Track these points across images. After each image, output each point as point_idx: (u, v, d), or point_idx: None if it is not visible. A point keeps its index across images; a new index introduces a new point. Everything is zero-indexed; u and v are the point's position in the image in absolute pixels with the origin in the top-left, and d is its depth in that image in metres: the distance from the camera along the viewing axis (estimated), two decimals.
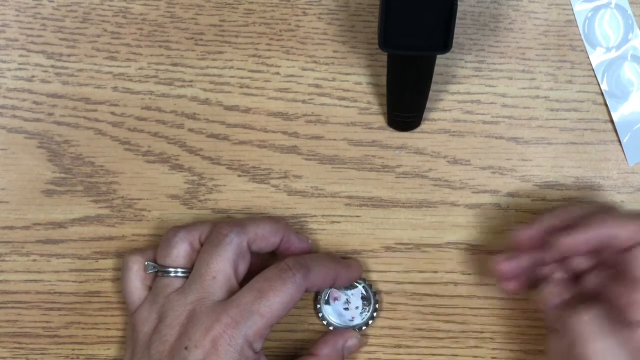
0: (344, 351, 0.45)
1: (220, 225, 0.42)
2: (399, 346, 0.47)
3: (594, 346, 0.38)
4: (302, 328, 0.47)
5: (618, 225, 0.40)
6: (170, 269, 0.42)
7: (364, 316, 0.46)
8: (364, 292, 0.46)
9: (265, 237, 0.43)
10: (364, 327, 0.46)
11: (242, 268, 0.42)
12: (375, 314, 0.46)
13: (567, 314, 0.39)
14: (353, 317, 0.46)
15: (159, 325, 0.40)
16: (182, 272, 0.42)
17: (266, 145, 0.48)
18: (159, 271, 0.42)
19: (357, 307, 0.46)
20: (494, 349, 0.47)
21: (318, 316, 0.46)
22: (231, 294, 0.41)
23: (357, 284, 0.46)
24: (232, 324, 0.39)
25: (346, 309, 0.46)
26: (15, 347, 0.48)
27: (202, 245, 0.42)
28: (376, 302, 0.46)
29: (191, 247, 0.42)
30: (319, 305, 0.46)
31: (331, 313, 0.46)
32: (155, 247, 0.44)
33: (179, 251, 0.42)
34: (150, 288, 0.43)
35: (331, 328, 0.46)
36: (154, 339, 0.40)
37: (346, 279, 0.45)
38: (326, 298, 0.46)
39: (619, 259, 0.40)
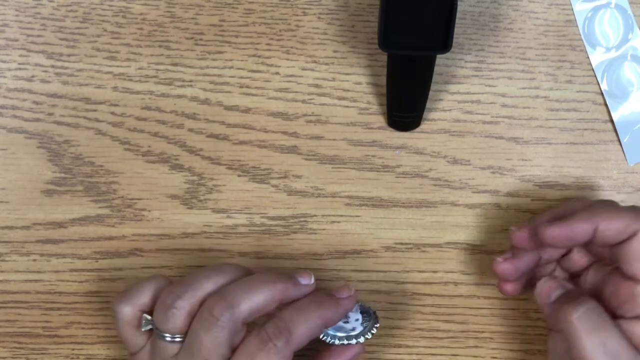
0: None
1: (211, 302, 0.39)
2: (399, 346, 0.47)
3: (589, 342, 0.36)
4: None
5: (608, 217, 0.38)
6: (167, 336, 0.40)
7: (365, 325, 0.43)
8: (362, 306, 0.44)
9: (261, 310, 0.40)
10: (367, 336, 0.43)
11: (237, 340, 0.40)
12: (377, 325, 0.43)
13: (561, 310, 0.38)
14: (354, 328, 0.43)
15: None
16: (180, 338, 0.40)
17: (266, 145, 0.48)
18: (155, 332, 0.40)
19: (357, 319, 0.44)
20: (494, 349, 0.47)
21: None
22: None
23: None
24: None
25: (346, 322, 0.43)
26: (16, 347, 0.48)
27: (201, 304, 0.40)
28: (375, 316, 0.44)
29: (189, 316, 0.40)
30: None
31: (331, 327, 0.43)
32: (139, 290, 0.42)
33: (177, 322, 0.39)
34: (144, 334, 0.41)
35: (330, 341, 0.42)
36: None
37: (338, 318, 0.42)
38: None
39: (614, 253, 0.39)
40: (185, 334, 0.40)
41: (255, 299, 0.39)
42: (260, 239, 0.48)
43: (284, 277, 0.41)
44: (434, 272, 0.47)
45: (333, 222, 0.48)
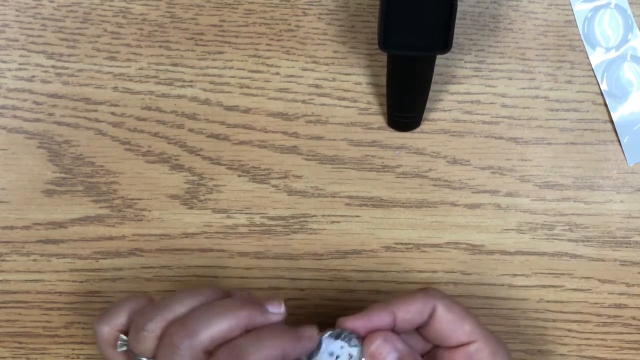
0: None
1: (173, 329, 0.38)
2: None
3: None
4: None
5: (402, 303, 0.39)
6: (141, 358, 0.39)
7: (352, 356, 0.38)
8: (334, 334, 0.39)
9: (223, 337, 0.38)
10: None
11: None
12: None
13: None
14: (351, 355, 0.38)
15: None
16: None
17: (266, 146, 0.48)
18: (130, 353, 0.40)
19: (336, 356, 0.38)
20: None
21: None
22: None
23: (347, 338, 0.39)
24: None
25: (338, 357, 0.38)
26: (16, 347, 0.48)
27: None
28: (360, 341, 0.38)
29: (160, 339, 0.38)
30: None
31: None
32: (116, 311, 0.41)
33: (147, 345, 0.38)
34: (124, 353, 0.41)
35: None
36: None
37: (297, 353, 0.38)
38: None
39: (430, 335, 0.40)
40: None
41: (217, 327, 0.37)
42: (260, 239, 0.48)
43: (250, 304, 0.39)
44: (434, 272, 0.47)
45: (333, 222, 0.48)
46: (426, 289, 0.40)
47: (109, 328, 0.40)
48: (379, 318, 0.39)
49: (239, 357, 0.36)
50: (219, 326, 0.37)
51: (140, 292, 0.45)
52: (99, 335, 0.41)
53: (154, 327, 0.38)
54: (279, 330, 0.38)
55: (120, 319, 0.41)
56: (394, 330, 0.39)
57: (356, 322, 0.39)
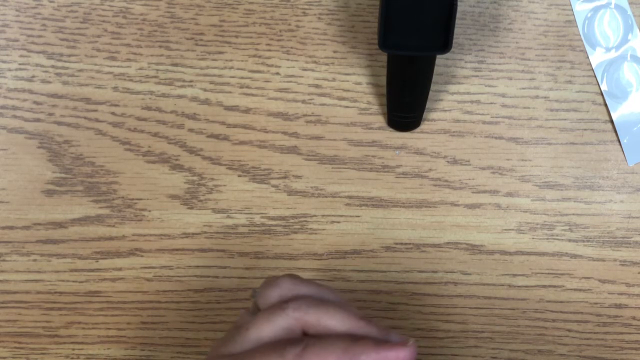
0: None
1: (293, 298, 0.37)
2: None
3: None
4: None
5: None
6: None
7: None
8: None
9: (328, 329, 0.36)
10: None
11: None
12: None
13: None
14: None
15: None
16: None
17: (266, 146, 0.48)
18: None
19: None
20: (493, 348, 0.47)
21: None
22: None
23: None
24: None
25: None
26: (16, 347, 0.48)
27: None
28: None
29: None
30: None
31: None
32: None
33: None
34: None
35: None
36: None
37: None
38: None
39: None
40: None
41: (330, 314, 0.36)
42: (260, 239, 0.48)
43: (369, 322, 0.36)
44: (434, 272, 0.47)
45: (333, 222, 0.48)
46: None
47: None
48: None
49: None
50: (332, 315, 0.36)
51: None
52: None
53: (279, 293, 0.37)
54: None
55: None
56: None
57: None
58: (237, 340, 0.37)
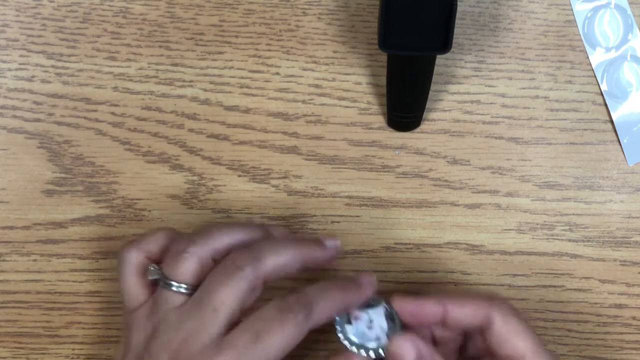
0: None
1: (236, 253, 0.38)
2: None
3: None
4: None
5: (456, 301, 0.38)
6: (174, 283, 0.38)
7: (389, 335, 0.39)
8: (387, 309, 0.40)
9: (284, 268, 0.39)
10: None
11: (250, 301, 0.38)
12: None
13: None
14: (378, 337, 0.39)
15: (151, 341, 0.37)
16: (185, 289, 0.38)
17: (266, 146, 0.48)
18: (162, 281, 0.39)
19: (382, 327, 0.40)
20: None
21: (338, 337, 0.39)
22: (230, 328, 0.37)
23: (378, 302, 0.41)
24: None
25: (370, 328, 0.40)
26: (16, 347, 0.48)
27: (214, 262, 0.39)
28: (402, 325, 0.40)
29: (201, 265, 0.38)
30: (338, 327, 0.40)
31: (354, 333, 0.39)
32: (149, 238, 0.41)
33: (188, 267, 0.38)
34: (147, 286, 0.40)
35: (347, 344, 0.39)
36: (145, 357, 0.37)
37: (357, 302, 0.40)
38: (346, 318, 0.40)
39: (484, 339, 0.38)
40: (191, 286, 0.38)
41: (281, 257, 0.38)
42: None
43: (309, 240, 0.41)
44: (434, 272, 0.47)
45: (333, 222, 0.48)
46: (491, 295, 0.39)
47: (139, 253, 0.40)
48: (428, 308, 0.38)
49: (308, 305, 0.37)
50: (283, 257, 0.38)
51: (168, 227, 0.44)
52: (125, 262, 0.40)
53: (196, 251, 0.38)
54: (343, 283, 0.40)
55: (152, 246, 0.40)
56: (444, 325, 0.38)
57: (405, 305, 0.38)
58: (213, 323, 0.37)
